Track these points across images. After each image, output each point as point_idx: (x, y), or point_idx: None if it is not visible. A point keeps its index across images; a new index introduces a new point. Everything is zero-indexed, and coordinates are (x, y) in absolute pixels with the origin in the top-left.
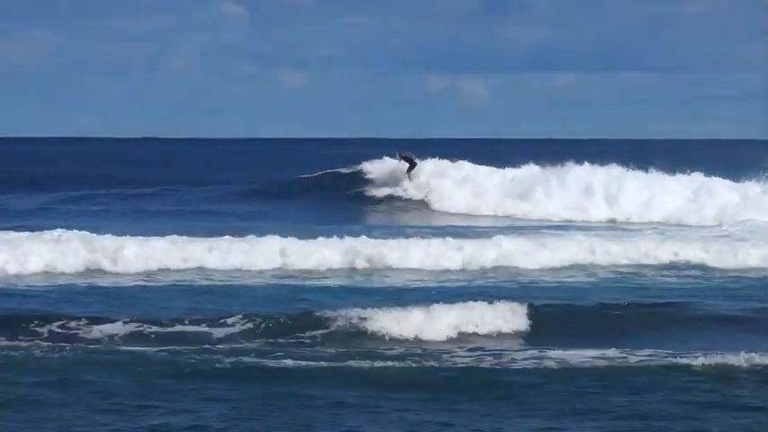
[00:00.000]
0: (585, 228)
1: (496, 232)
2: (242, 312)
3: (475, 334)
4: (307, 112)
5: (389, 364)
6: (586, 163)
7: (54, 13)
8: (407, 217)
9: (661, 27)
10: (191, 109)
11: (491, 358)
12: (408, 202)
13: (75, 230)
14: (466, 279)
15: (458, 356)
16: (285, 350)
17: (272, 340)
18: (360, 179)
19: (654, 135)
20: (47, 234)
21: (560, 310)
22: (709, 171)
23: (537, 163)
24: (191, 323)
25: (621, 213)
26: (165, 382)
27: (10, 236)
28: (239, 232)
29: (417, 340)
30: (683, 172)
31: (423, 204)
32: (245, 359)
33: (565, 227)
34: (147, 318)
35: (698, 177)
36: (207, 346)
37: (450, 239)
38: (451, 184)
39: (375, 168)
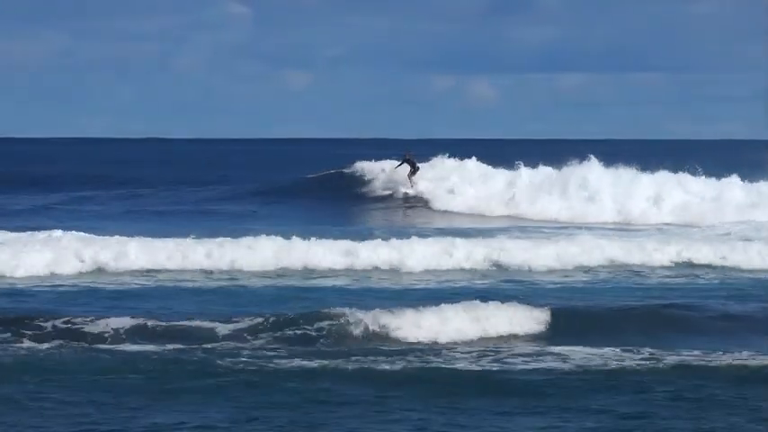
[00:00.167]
0: (592, 229)
1: (502, 232)
2: (246, 313)
3: (484, 334)
4: (312, 113)
5: (395, 363)
6: (593, 164)
7: (59, 13)
8: (410, 217)
9: (669, 27)
10: (196, 109)
11: (499, 358)
12: (411, 202)
13: (79, 231)
14: (470, 279)
15: (467, 357)
16: (290, 350)
17: (277, 340)
18: (363, 180)
19: (662, 135)
20: (50, 234)
21: (571, 312)
22: (716, 171)
23: (544, 163)
24: (195, 323)
25: (627, 214)
26: (170, 381)
27: (14, 236)
28: (241, 232)
29: (424, 341)
30: (691, 172)
31: (426, 205)
32: (250, 359)
33: (569, 228)
34: (150, 317)
35: (704, 177)
36: (212, 345)
37: (455, 239)
38: (455, 185)
39: (377, 169)
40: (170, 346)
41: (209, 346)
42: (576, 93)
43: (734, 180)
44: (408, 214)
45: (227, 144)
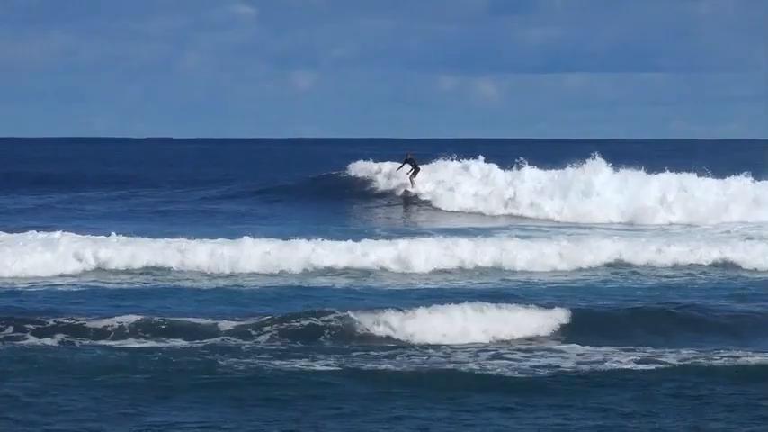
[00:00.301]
0: (594, 229)
1: (503, 232)
2: (247, 312)
3: (487, 335)
4: (317, 113)
5: (397, 363)
6: (598, 164)
7: (66, 13)
8: (412, 217)
9: (674, 27)
10: (201, 109)
11: (503, 357)
12: (413, 202)
13: (80, 230)
14: (468, 279)
15: (471, 356)
16: (292, 350)
17: (279, 340)
18: (365, 180)
19: (667, 135)
20: (51, 233)
21: (582, 313)
22: (723, 171)
23: (547, 163)
24: (196, 322)
25: (632, 215)
26: (172, 380)
27: (15, 236)
28: (243, 232)
29: (427, 340)
30: (697, 172)
31: (428, 205)
32: (252, 358)
33: (571, 228)
34: (152, 317)
35: (709, 177)
36: (213, 345)
37: (457, 239)
38: (457, 185)
39: (379, 170)
40: (171, 346)
41: (210, 345)
42: (580, 93)
43: (742, 179)
44: (410, 214)
45: (231, 144)
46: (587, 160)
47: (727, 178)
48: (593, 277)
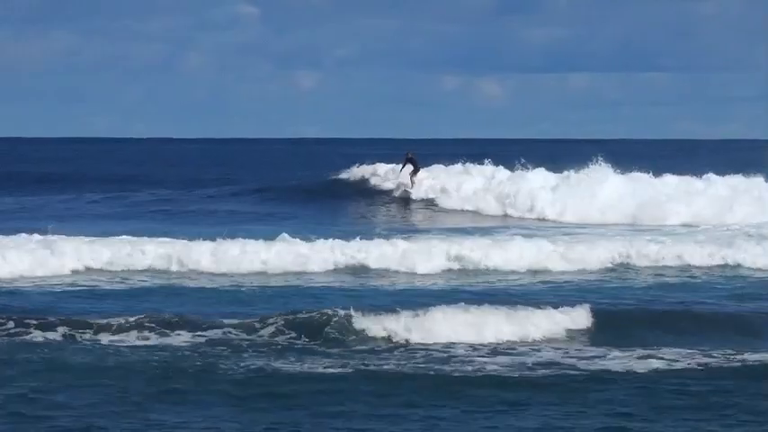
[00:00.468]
0: (601, 230)
1: (504, 232)
2: (249, 313)
3: (491, 336)
4: (321, 113)
5: (400, 364)
6: (601, 166)
7: (67, 13)
8: (413, 217)
9: (678, 27)
10: (204, 109)
11: (506, 358)
12: (414, 202)
13: (81, 230)
14: (467, 280)
15: (475, 357)
16: (294, 350)
17: (281, 340)
18: (365, 181)
19: (671, 135)
20: (51, 234)
21: (600, 313)
22: (725, 171)
23: (550, 164)
24: (198, 322)
25: (633, 216)
26: (173, 380)
27: (14, 236)
28: (244, 233)
29: (431, 341)
30: (701, 172)
31: (429, 205)
32: (254, 359)
33: (573, 228)
34: (154, 317)
35: (714, 178)
36: (214, 345)
37: (458, 240)
38: (458, 185)
39: (380, 171)
40: (173, 345)
41: (211, 345)
42: (584, 93)
43: (744, 179)
44: (411, 214)
45: (234, 144)
46: (591, 162)
47: (740, 177)
48: (596, 278)
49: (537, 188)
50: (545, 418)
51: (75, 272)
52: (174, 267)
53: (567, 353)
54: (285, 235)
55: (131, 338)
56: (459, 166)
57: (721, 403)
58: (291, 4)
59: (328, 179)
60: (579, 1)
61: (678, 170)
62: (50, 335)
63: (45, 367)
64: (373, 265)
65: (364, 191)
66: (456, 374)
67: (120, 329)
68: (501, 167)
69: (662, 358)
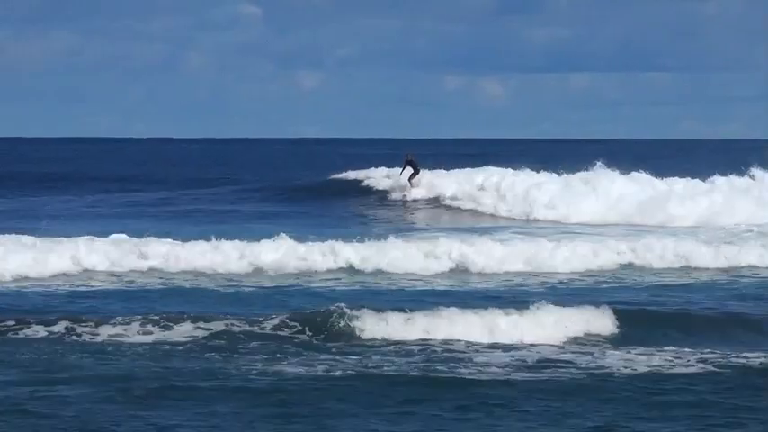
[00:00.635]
0: (602, 231)
1: (504, 232)
2: (251, 313)
3: (493, 338)
4: (323, 113)
5: (402, 364)
6: (602, 166)
7: (67, 13)
8: (414, 218)
9: (679, 26)
10: (206, 109)
11: (512, 359)
12: (414, 204)
13: (82, 230)
14: (466, 280)
15: (479, 358)
16: (296, 350)
17: (283, 340)
18: (366, 182)
19: (672, 135)
20: (50, 234)
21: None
22: (727, 172)
23: (552, 164)
24: (199, 323)
25: (636, 217)
26: (173, 380)
27: (15, 236)
28: (245, 233)
29: (435, 341)
30: (702, 172)
31: (430, 205)
32: (255, 359)
33: (574, 228)
34: (155, 317)
35: (716, 178)
36: (215, 346)
37: (459, 240)
38: (459, 186)
39: (379, 174)
40: (173, 345)
41: (212, 345)
42: (585, 92)
43: (750, 180)
44: (411, 215)
45: (236, 144)
46: (592, 162)
47: (730, 177)
48: (596, 278)
49: (537, 188)
50: (546, 418)
51: (75, 272)
52: (175, 267)
53: (569, 352)
54: (285, 235)
55: (132, 338)
56: (459, 167)
57: (723, 404)
58: (292, 3)
59: (329, 179)
60: (580, 1)
61: (679, 170)
62: (51, 335)
63: (45, 367)
64: (374, 264)
65: (364, 191)
66: (456, 374)
67: (121, 329)
68: (501, 168)
69: (664, 358)
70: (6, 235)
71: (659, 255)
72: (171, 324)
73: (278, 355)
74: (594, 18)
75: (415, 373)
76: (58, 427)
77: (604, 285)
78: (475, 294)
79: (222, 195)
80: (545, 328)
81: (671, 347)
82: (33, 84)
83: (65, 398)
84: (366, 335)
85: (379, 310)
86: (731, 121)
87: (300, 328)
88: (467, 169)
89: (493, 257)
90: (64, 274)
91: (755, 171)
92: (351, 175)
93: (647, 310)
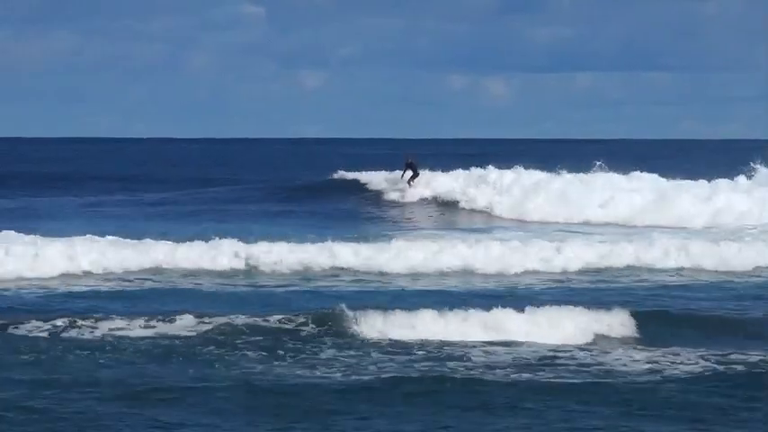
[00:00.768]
0: (602, 231)
1: (505, 232)
2: (251, 313)
3: (494, 337)
4: (326, 113)
5: (404, 364)
6: (600, 168)
7: (67, 13)
8: (414, 219)
9: (681, 26)
10: (208, 109)
11: (515, 360)
12: (415, 204)
13: (82, 229)
14: (477, 281)
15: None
16: (297, 350)
17: (284, 341)
18: (368, 183)
19: (674, 135)
20: (48, 234)
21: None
22: (728, 172)
23: (552, 164)
24: (199, 323)
25: (637, 217)
26: (172, 380)
27: (14, 236)
28: (245, 233)
29: (439, 342)
30: (703, 172)
31: (432, 207)
32: (255, 359)
33: (574, 228)
34: (155, 317)
35: (718, 179)
36: (215, 346)
37: (459, 240)
38: (459, 187)
39: (379, 177)
40: (173, 345)
41: (212, 344)
42: (587, 92)
43: (751, 180)
44: (411, 215)
45: (236, 144)
46: (593, 162)
47: (731, 178)
48: (597, 278)
49: (537, 188)
50: (547, 418)
51: (75, 272)
52: (175, 267)
53: (570, 352)
54: (285, 235)
55: (132, 337)
56: (459, 167)
57: (723, 404)
58: (295, 3)
59: (329, 179)
60: (583, 1)
61: (680, 170)
62: (50, 334)
63: (45, 367)
64: (374, 264)
65: (365, 191)
66: (457, 374)
67: (121, 328)
68: (501, 168)
69: (666, 358)
70: (6, 233)
71: (662, 255)
72: (171, 324)
73: (276, 355)
74: (597, 18)
75: (415, 374)
76: (57, 426)
77: (606, 285)
78: (475, 294)
79: (222, 195)
80: (546, 327)
81: (672, 347)
82: (33, 84)
83: (64, 397)
84: (366, 335)
85: (379, 309)
86: (731, 121)
87: (300, 328)
88: (466, 169)
89: (494, 257)
90: (64, 274)
91: (756, 171)
92: (351, 175)
93: (648, 310)
